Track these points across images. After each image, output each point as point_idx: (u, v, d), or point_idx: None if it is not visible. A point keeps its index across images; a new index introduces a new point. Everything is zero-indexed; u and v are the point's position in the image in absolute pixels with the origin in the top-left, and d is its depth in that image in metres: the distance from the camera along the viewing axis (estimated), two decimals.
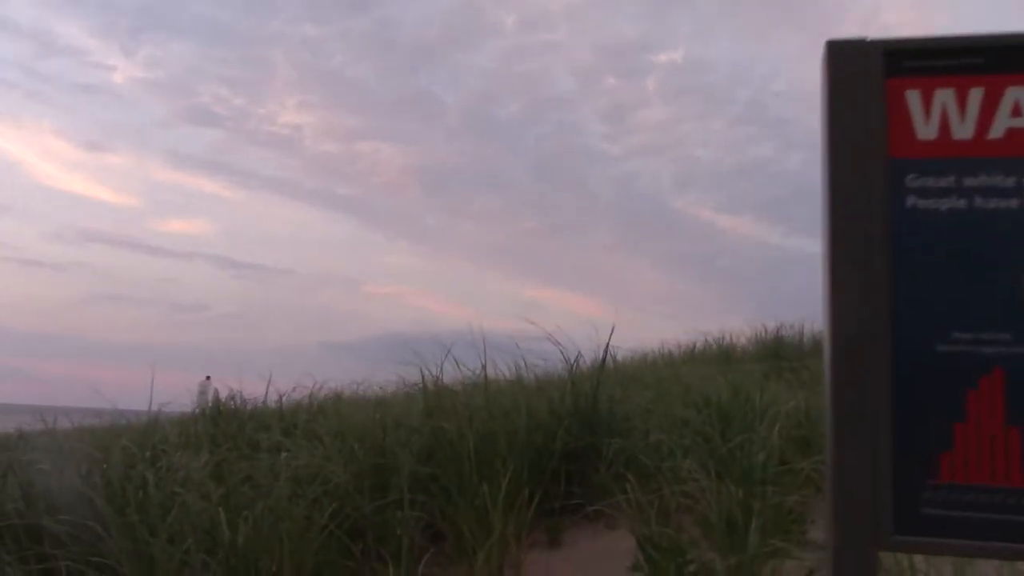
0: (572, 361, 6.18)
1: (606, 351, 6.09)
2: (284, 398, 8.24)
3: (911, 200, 1.66)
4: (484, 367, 5.67)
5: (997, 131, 1.64)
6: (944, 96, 1.66)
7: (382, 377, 8.60)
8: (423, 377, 5.84)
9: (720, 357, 11.59)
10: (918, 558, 2.96)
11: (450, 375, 6.05)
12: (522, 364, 6.58)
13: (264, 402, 8.45)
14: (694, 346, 12.62)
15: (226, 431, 7.23)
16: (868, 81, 1.69)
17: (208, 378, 12.60)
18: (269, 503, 4.59)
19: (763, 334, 12.07)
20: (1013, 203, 1.63)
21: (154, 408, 8.45)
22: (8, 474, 4.93)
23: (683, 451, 4.30)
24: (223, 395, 8.61)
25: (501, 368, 6.44)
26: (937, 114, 1.66)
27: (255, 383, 9.13)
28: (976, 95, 1.65)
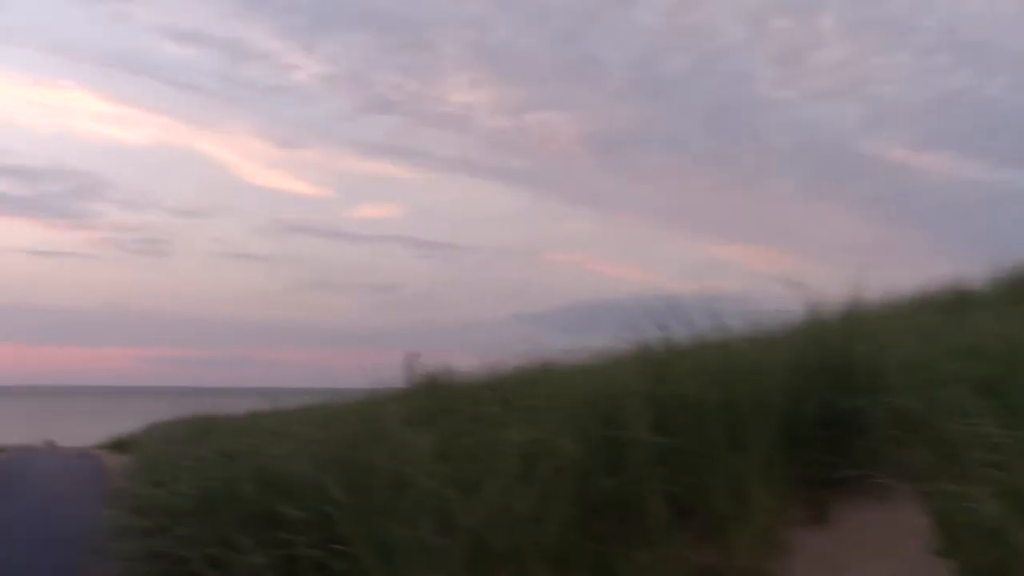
0: (809, 313, 5.53)
1: (850, 301, 5.41)
2: (495, 370, 8.00)
3: None
4: (715, 326, 5.14)
5: None
6: None
7: (584, 345, 8.20)
8: (647, 341, 5.36)
9: (955, 303, 10.42)
10: None
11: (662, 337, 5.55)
12: (733, 322, 5.95)
13: (474, 375, 8.25)
14: (919, 293, 11.44)
15: (442, 406, 7.06)
16: None
17: (415, 353, 12.66)
18: (501, 482, 4.29)
19: (1003, 274, 10.75)
20: None
21: (366, 386, 8.46)
22: (242, 458, 4.88)
23: (979, 409, 3.62)
24: (429, 370, 8.48)
25: (709, 327, 5.86)
26: None
27: (457, 357, 8.95)
28: None
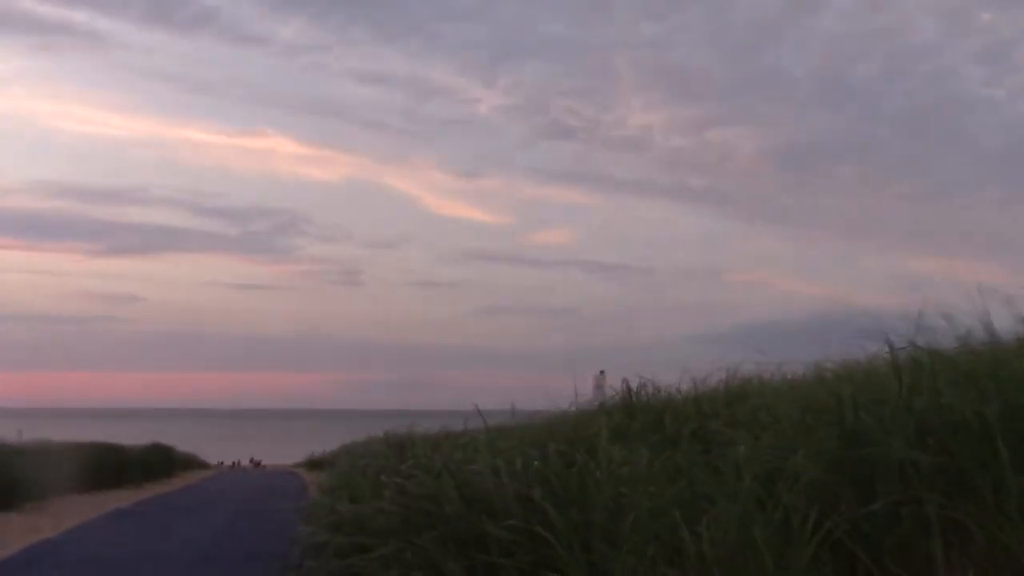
0: None
1: None
2: (698, 385, 7.39)
3: None
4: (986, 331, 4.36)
5: None
6: None
7: (777, 362, 7.43)
8: (892, 350, 4.62)
9: None
10: None
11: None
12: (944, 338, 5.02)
13: (673, 393, 7.68)
14: None
15: (646, 423, 6.53)
16: None
17: (602, 373, 12.23)
18: (736, 505, 3.70)
19: None
20: None
21: (552, 407, 8.08)
22: (443, 474, 4.52)
23: None
24: (626, 387, 7.97)
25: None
26: None
27: (644, 377, 8.37)
28: None
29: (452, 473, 4.43)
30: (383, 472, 5.36)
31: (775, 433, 4.66)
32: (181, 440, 31.14)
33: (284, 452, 41.71)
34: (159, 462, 24.28)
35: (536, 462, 4.47)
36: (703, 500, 3.90)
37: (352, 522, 4.87)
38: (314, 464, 28.64)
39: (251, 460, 42.84)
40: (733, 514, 3.68)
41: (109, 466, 19.93)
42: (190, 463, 30.32)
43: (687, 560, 3.56)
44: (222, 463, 38.90)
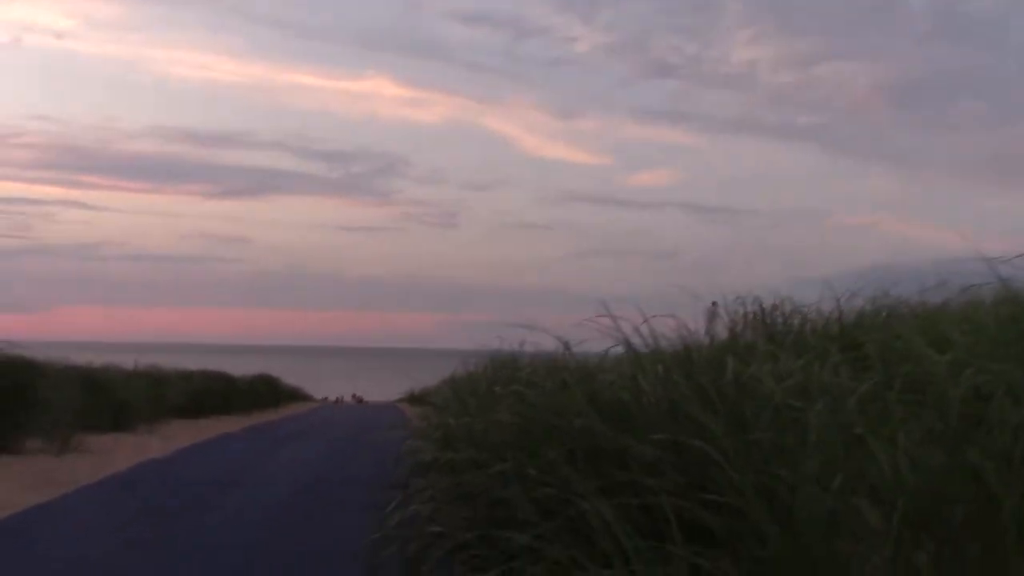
0: None
1: None
2: (842, 304, 6.52)
3: None
4: None
5: None
6: None
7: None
8: None
9: None
10: None
11: None
12: None
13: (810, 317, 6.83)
14: None
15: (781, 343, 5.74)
16: None
17: (714, 303, 11.42)
18: (949, 431, 2.93)
19: None
20: None
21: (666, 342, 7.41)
22: (568, 385, 3.87)
23: None
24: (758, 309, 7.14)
25: None
26: None
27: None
28: None
29: (581, 381, 3.78)
30: (496, 383, 4.76)
31: (968, 348, 3.83)
32: (286, 375, 31.67)
33: (385, 389, 42.17)
34: (266, 392, 24.58)
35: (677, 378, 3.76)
36: (899, 423, 3.14)
37: (464, 437, 4.28)
38: (415, 399, 28.64)
39: (353, 396, 43.50)
40: (939, 433, 2.92)
41: (218, 394, 20.16)
42: (295, 395, 30.75)
43: (882, 488, 2.82)
44: (326, 398, 39.54)
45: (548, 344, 5.04)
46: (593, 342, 4.66)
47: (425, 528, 4.13)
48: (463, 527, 3.83)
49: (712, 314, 10.00)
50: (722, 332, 7.78)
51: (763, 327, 6.55)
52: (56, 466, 9.74)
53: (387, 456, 11.34)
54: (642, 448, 3.28)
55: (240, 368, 27.14)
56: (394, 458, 11.20)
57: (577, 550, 3.06)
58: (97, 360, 15.66)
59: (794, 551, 2.73)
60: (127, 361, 17.71)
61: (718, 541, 2.99)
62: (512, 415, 3.94)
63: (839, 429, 3.09)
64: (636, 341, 4.27)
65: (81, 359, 14.86)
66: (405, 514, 4.48)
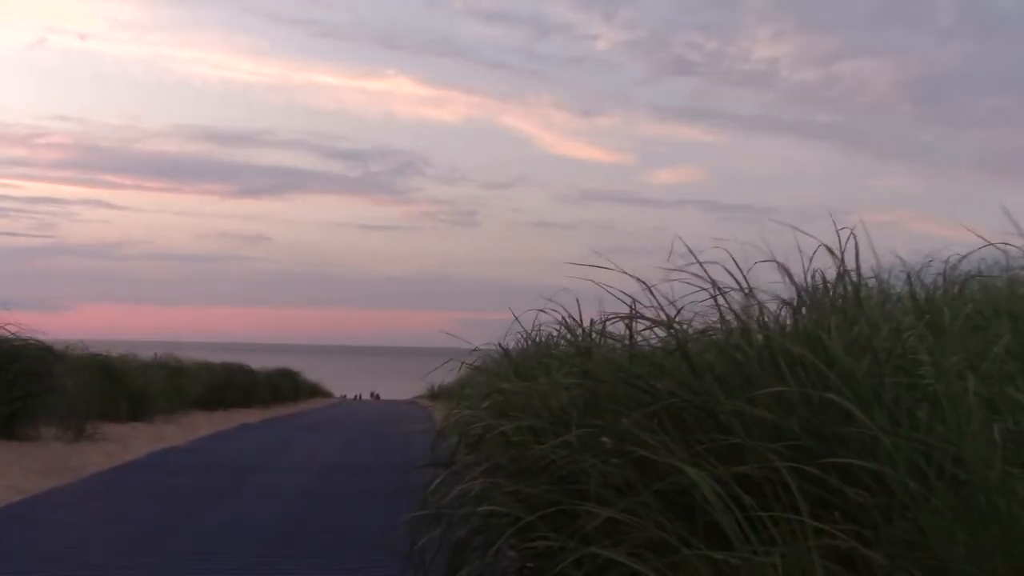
0: None
1: None
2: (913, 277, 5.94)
3: None
4: None
5: None
6: None
7: None
8: None
9: None
10: None
11: None
12: None
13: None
14: None
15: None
16: None
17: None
18: None
19: None
20: None
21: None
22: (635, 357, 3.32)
23: None
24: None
25: None
26: None
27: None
28: None
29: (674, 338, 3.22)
30: (549, 352, 4.21)
31: None
32: (305, 372, 31.24)
33: (404, 386, 41.70)
34: (286, 386, 24.11)
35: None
36: None
37: (521, 405, 3.73)
38: (436, 395, 28.16)
39: (372, 394, 43.01)
40: None
41: (239, 386, 19.68)
42: (315, 391, 30.30)
43: None
44: (344, 396, 39.05)
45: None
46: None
47: (475, 509, 3.59)
48: (523, 506, 3.29)
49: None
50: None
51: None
52: (70, 453, 9.26)
53: (411, 447, 10.83)
54: (753, 410, 2.72)
55: (259, 365, 26.74)
56: (419, 449, 10.69)
57: (679, 525, 2.51)
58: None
59: (965, 525, 2.16)
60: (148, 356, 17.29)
61: (850, 514, 2.43)
62: (581, 378, 3.39)
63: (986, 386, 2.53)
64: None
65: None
66: (448, 495, 3.94)
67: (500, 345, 4.96)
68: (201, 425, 13.99)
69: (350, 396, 41.12)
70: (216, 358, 21.06)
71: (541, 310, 4.18)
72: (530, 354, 4.63)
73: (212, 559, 4.58)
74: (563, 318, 3.75)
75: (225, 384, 18.94)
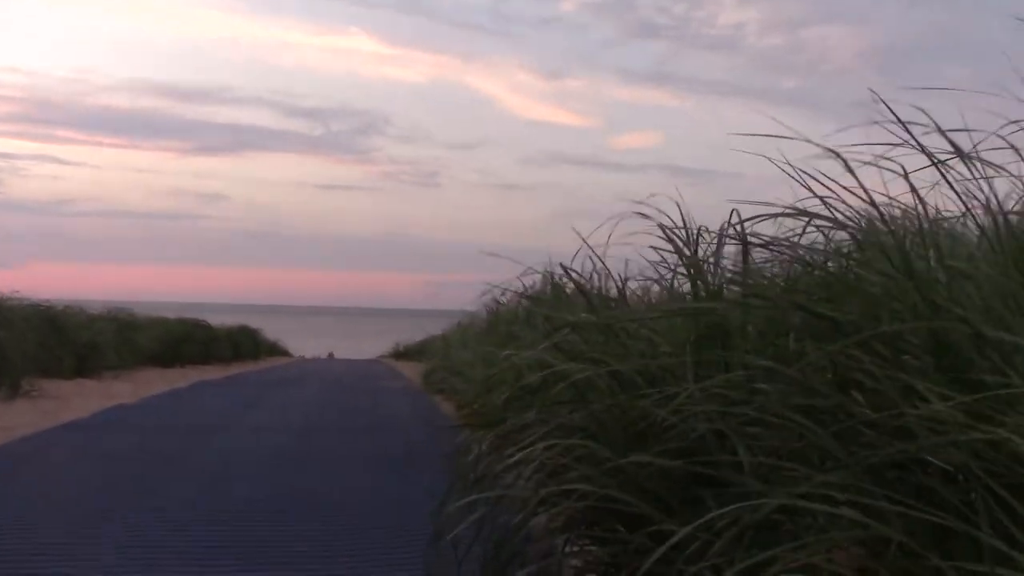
0: None
1: None
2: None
3: None
4: None
5: None
6: None
7: None
8: None
9: None
10: None
11: None
12: None
13: None
14: None
15: None
16: None
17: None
18: None
19: None
20: None
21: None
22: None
23: None
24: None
25: None
26: None
27: None
28: None
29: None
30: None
31: None
32: (265, 332, 29.86)
33: (366, 347, 40.38)
34: (246, 344, 22.80)
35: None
36: None
37: (598, 347, 2.68)
38: (401, 354, 27.09)
39: (330, 354, 41.58)
40: None
41: (196, 342, 18.35)
42: (275, 350, 28.99)
43: None
44: (303, 357, 37.59)
45: None
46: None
47: (540, 487, 2.54)
48: (630, 486, 2.23)
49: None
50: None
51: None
52: (2, 412, 8.02)
53: (393, 406, 9.74)
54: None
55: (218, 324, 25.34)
56: (402, 407, 9.59)
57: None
58: None
59: None
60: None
61: None
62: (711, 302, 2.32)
63: None
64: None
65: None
66: (493, 466, 2.88)
67: (552, 273, 3.86)
68: (155, 382, 12.73)
69: (310, 356, 39.68)
70: (175, 316, 19.70)
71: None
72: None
73: (168, 546, 3.47)
74: (666, 231, 2.64)
75: (182, 339, 17.62)
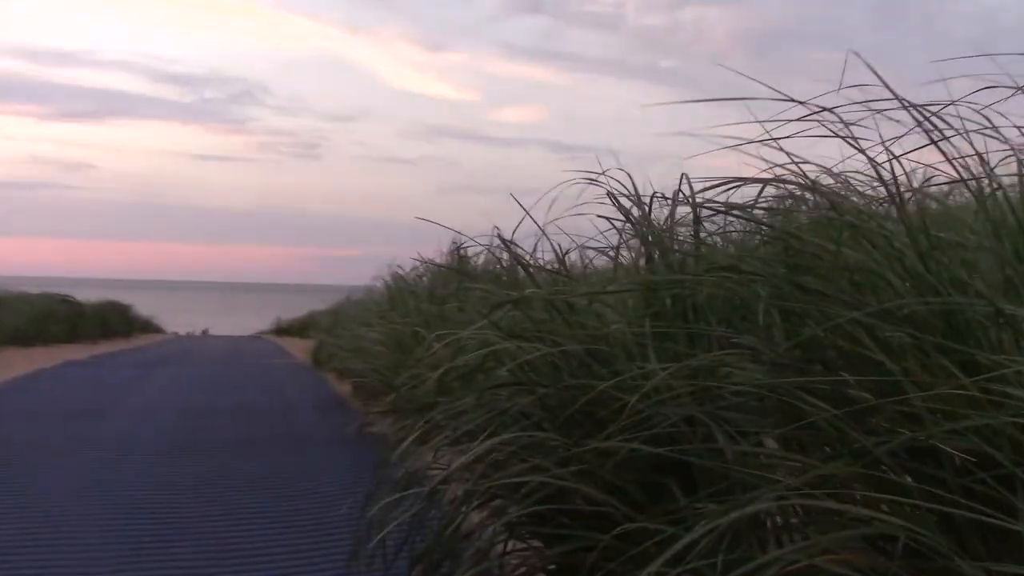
0: None
1: None
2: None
3: None
4: None
5: None
6: None
7: None
8: None
9: None
10: None
11: None
12: None
13: None
14: None
15: None
16: None
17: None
18: None
19: None
20: None
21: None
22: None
23: None
24: None
25: None
26: None
27: None
28: None
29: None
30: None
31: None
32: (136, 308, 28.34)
33: (243, 323, 38.99)
34: (117, 321, 21.52)
35: None
36: None
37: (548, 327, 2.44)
38: (283, 331, 26.26)
39: (203, 331, 39.95)
40: None
41: (61, 319, 17.16)
42: (148, 326, 27.56)
43: None
44: (176, 334, 35.95)
45: None
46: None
47: (480, 480, 2.29)
48: (584, 477, 2.01)
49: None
50: None
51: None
52: None
53: (284, 385, 9.28)
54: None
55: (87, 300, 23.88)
56: (293, 387, 9.14)
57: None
58: None
59: None
60: None
61: None
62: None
63: None
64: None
65: None
66: (421, 457, 2.62)
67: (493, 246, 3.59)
68: (16, 362, 11.78)
69: (183, 332, 37.97)
70: (38, 291, 18.36)
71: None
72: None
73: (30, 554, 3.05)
74: (616, 198, 2.42)
75: (45, 316, 16.42)
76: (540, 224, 2.66)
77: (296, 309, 27.68)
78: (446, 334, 2.74)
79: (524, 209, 2.57)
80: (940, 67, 1.78)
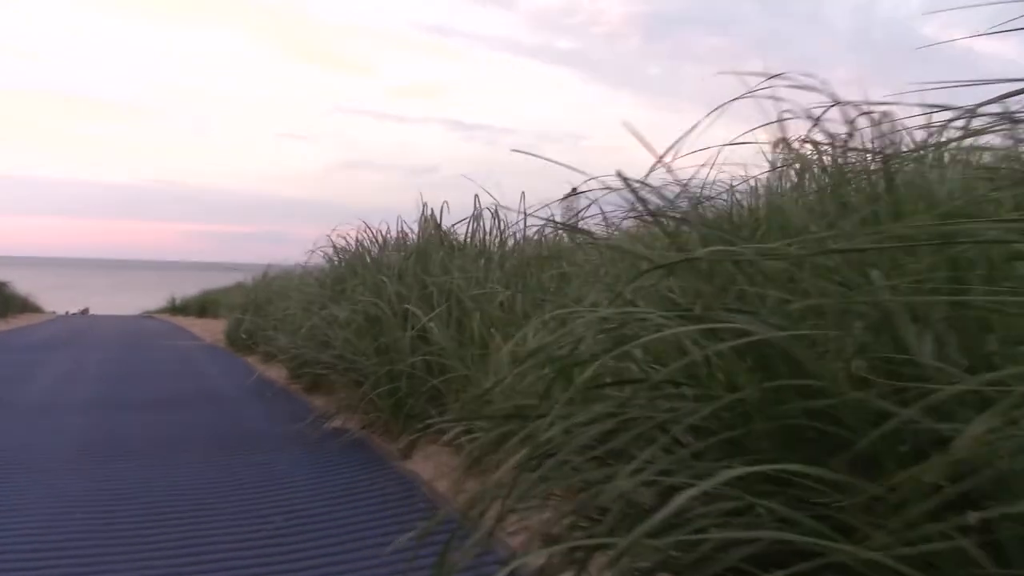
0: None
1: None
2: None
3: None
4: None
5: None
6: None
7: None
8: None
9: None
10: None
11: None
12: None
13: None
14: None
15: None
16: None
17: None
18: None
19: None
20: None
21: None
22: None
23: None
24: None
25: None
26: None
27: None
28: None
29: None
30: None
31: None
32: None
33: (128, 302, 36.58)
34: None
35: None
36: None
37: None
38: (179, 309, 24.54)
39: (84, 310, 37.21)
40: None
41: None
42: (27, 306, 25.27)
43: None
44: (55, 312, 33.26)
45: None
46: None
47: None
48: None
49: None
50: None
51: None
52: None
53: (199, 372, 8.15)
54: None
55: None
56: (212, 373, 8.00)
57: None
58: None
59: None
60: None
61: None
62: None
63: None
64: None
65: None
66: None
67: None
68: None
69: (73, 311, 35.21)
70: None
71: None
72: None
73: None
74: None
75: None
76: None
77: (187, 286, 26.05)
78: (557, 311, 1.89)
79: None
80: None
